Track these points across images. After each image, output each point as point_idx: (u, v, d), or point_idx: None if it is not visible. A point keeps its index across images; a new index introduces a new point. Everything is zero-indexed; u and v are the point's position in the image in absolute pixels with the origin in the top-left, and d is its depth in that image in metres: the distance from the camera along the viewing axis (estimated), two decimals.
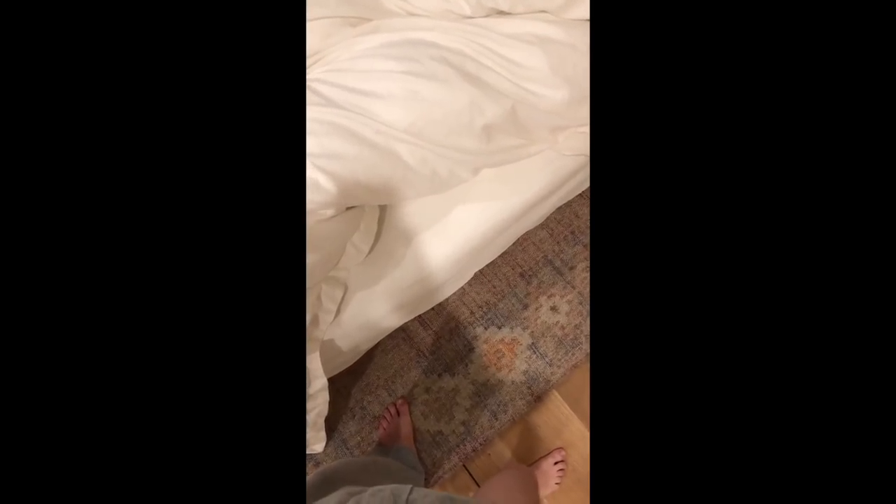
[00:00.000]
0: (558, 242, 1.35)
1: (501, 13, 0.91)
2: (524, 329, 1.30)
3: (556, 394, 1.26)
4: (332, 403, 1.07)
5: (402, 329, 1.31)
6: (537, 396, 1.25)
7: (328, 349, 1.04)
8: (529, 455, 1.23)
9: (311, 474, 0.70)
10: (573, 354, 1.27)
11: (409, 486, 0.45)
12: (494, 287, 1.33)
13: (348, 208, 0.93)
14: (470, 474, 1.23)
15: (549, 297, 1.32)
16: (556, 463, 1.18)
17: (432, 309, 1.31)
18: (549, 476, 1.17)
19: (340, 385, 1.28)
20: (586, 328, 1.29)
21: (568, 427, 1.24)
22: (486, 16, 0.91)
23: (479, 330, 1.30)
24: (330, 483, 0.66)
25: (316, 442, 1.08)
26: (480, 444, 1.23)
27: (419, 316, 1.30)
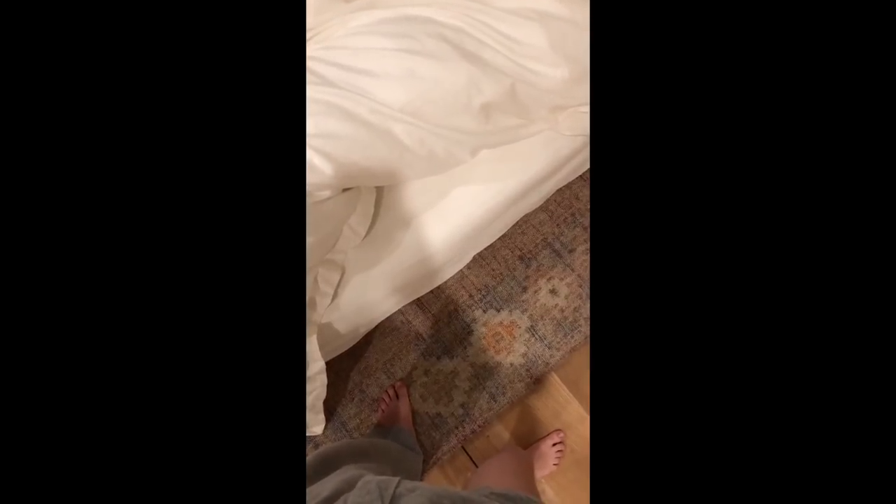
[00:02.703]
0: (558, 225, 1.34)
1: None
2: (523, 312, 1.29)
3: (554, 376, 1.27)
4: (331, 386, 1.07)
5: (401, 312, 1.30)
6: (536, 379, 1.26)
7: (326, 332, 1.03)
8: (528, 437, 1.23)
9: (311, 456, 0.70)
10: (572, 337, 1.27)
11: (397, 479, 0.44)
12: (493, 270, 1.32)
13: (344, 190, 0.91)
14: (469, 456, 1.24)
15: (549, 279, 1.31)
16: (554, 444, 1.19)
17: (431, 292, 1.30)
18: (547, 457, 1.18)
19: (339, 368, 1.28)
20: (585, 311, 1.29)
21: (566, 409, 1.25)
22: None
23: (478, 313, 1.30)
24: (329, 464, 0.66)
25: (315, 424, 1.08)
26: (479, 427, 1.24)
27: (418, 299, 1.29)
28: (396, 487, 0.42)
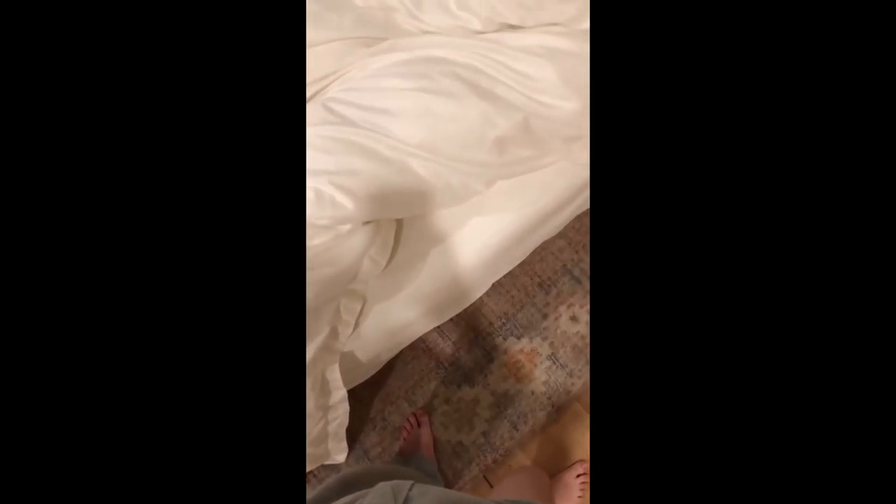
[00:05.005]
0: (577, 251, 1.34)
1: (512, 27, 0.92)
2: (543, 339, 1.29)
3: (576, 404, 1.25)
4: (353, 414, 1.09)
5: (422, 340, 1.32)
6: (558, 407, 1.24)
7: (348, 360, 1.05)
8: (551, 467, 1.22)
9: (331, 479, 0.71)
10: None
11: (410, 482, 0.45)
12: (513, 297, 1.33)
13: (365, 223, 0.95)
14: (490, 485, 1.22)
15: (569, 306, 1.31)
16: (578, 476, 1.17)
17: (451, 319, 1.31)
18: (571, 489, 1.16)
19: (361, 396, 1.30)
20: None
21: (589, 439, 1.23)
22: (497, 30, 0.92)
23: (498, 340, 1.30)
24: (350, 489, 0.67)
25: (338, 452, 1.10)
26: (501, 455, 1.23)
27: (438, 327, 1.30)
28: (409, 490, 0.43)
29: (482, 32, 0.91)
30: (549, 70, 0.87)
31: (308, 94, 0.93)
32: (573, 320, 1.30)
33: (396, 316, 1.07)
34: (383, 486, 0.46)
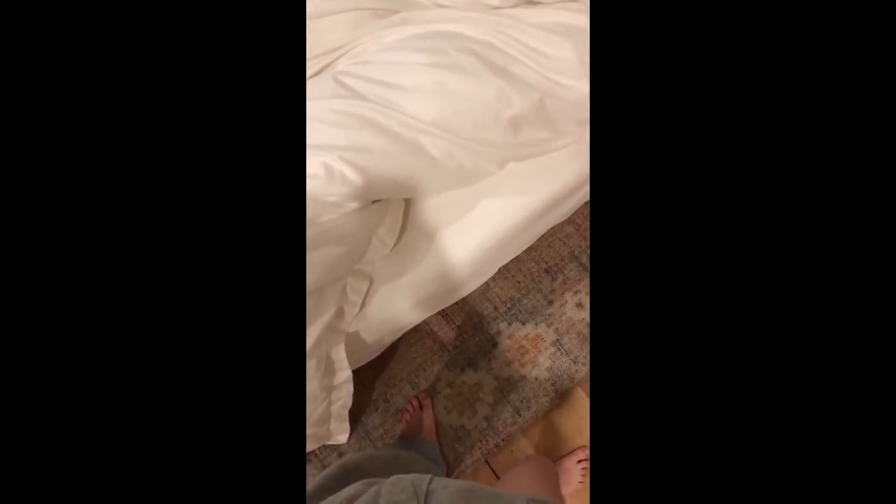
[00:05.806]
0: (585, 238, 1.33)
1: (530, 3, 0.90)
2: (549, 325, 1.28)
3: (580, 391, 1.25)
4: (356, 395, 1.08)
5: (426, 323, 1.31)
6: (561, 394, 1.24)
7: (353, 341, 1.04)
8: (552, 452, 1.22)
9: (333, 466, 0.70)
10: None
11: (430, 476, 0.44)
12: (519, 282, 1.32)
13: (374, 202, 0.93)
14: (492, 470, 1.23)
15: (575, 293, 1.30)
16: (579, 461, 1.17)
17: (456, 303, 1.30)
18: (572, 474, 1.16)
19: (364, 377, 1.29)
20: None
21: None
22: (515, 6, 0.89)
23: (503, 325, 1.30)
24: (350, 476, 0.66)
25: (340, 433, 1.09)
26: (503, 440, 1.23)
27: (443, 310, 1.29)
28: (430, 484, 0.43)
29: (499, 8, 0.89)
30: (566, 49, 0.85)
31: (319, 66, 0.91)
32: (579, 307, 1.29)
33: (402, 298, 1.05)
34: (402, 480, 0.44)
